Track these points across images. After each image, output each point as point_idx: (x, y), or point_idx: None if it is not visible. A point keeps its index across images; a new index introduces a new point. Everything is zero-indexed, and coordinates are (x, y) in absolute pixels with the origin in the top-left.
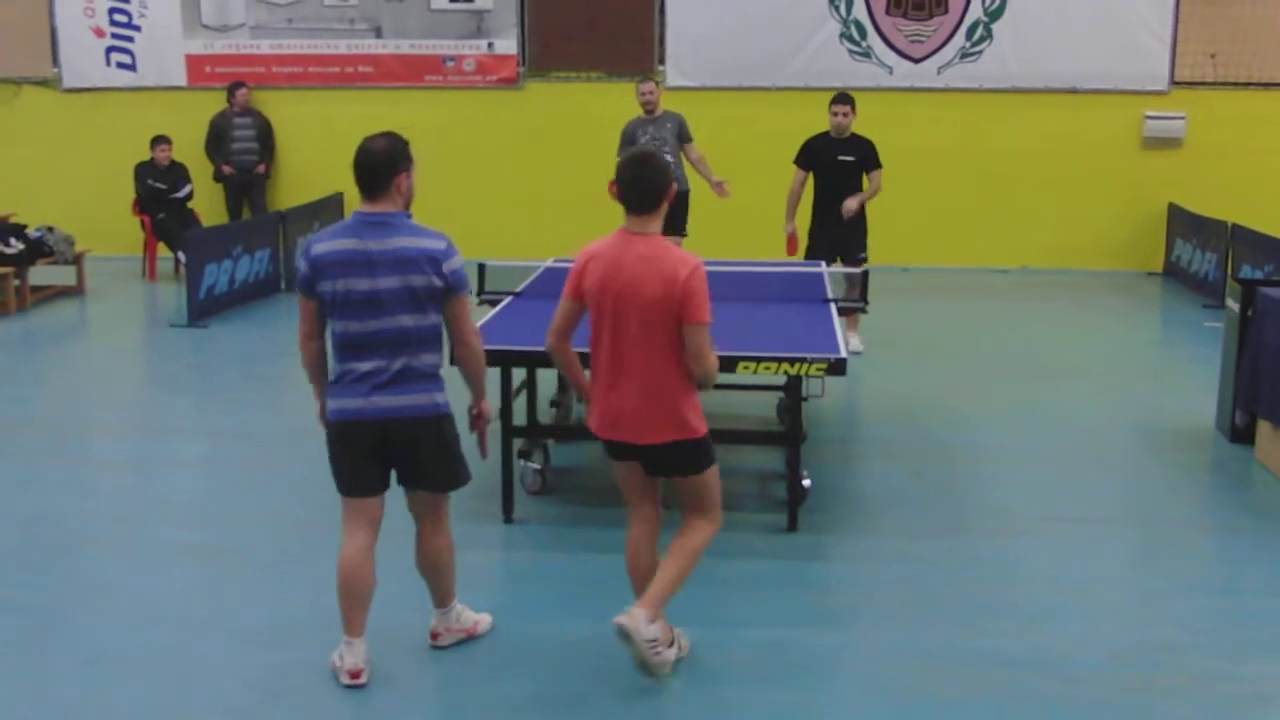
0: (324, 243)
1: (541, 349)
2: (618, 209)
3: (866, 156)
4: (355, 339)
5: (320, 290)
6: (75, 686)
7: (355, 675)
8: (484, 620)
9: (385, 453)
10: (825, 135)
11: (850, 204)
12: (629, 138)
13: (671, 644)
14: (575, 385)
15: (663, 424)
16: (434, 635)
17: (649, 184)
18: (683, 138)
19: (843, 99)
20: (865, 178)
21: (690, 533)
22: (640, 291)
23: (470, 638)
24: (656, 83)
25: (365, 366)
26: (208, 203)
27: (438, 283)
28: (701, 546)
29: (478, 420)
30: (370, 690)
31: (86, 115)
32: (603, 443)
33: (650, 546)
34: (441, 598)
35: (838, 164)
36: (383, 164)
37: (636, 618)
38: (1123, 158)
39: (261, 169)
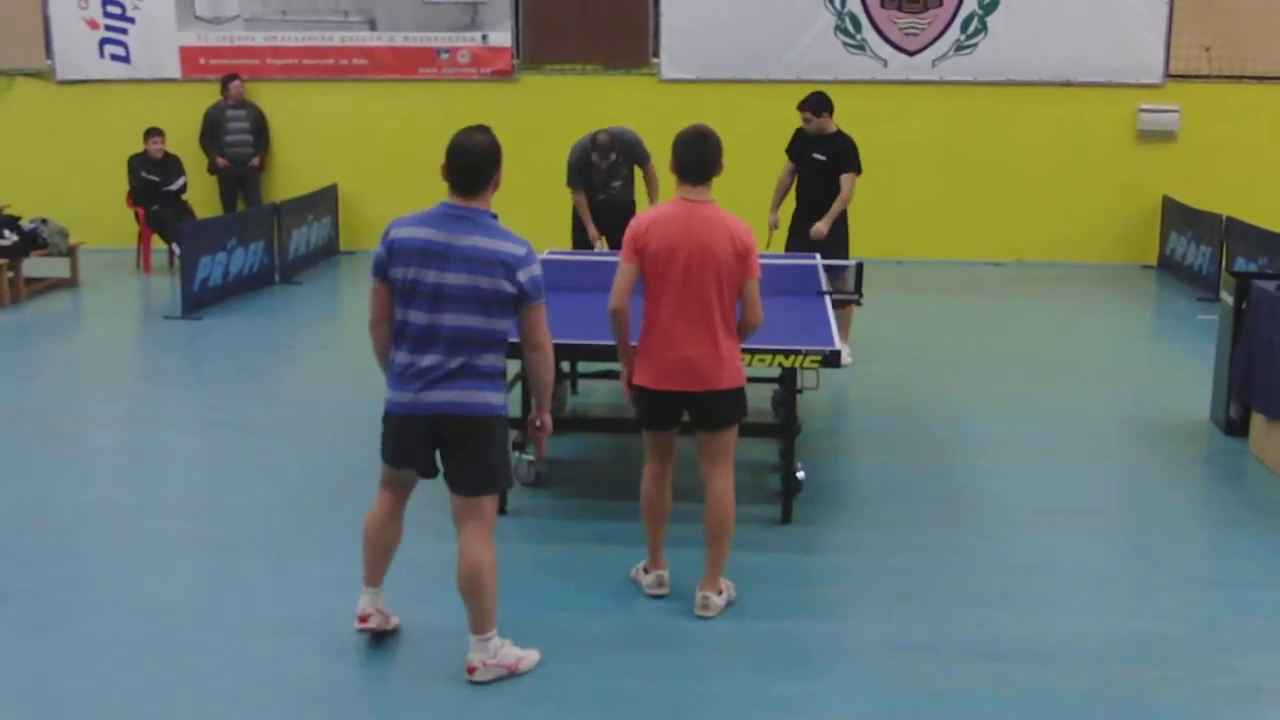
0: (404, 228)
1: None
2: None
3: (837, 158)
4: (417, 330)
5: (392, 276)
6: (73, 677)
7: (362, 619)
8: (529, 657)
9: (433, 445)
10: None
11: (819, 228)
12: (579, 168)
13: (729, 589)
14: (622, 348)
15: (728, 372)
16: (470, 669)
17: (706, 158)
18: (638, 159)
19: (803, 104)
20: (840, 176)
21: (724, 496)
22: (713, 250)
23: (512, 675)
24: (612, 138)
25: (423, 361)
26: (201, 195)
27: (508, 288)
28: (734, 504)
29: (538, 432)
30: (365, 678)
31: (80, 107)
32: (647, 398)
33: (668, 488)
34: (479, 623)
35: (811, 162)
36: (485, 161)
37: (712, 605)
38: (1117, 151)
39: (256, 161)
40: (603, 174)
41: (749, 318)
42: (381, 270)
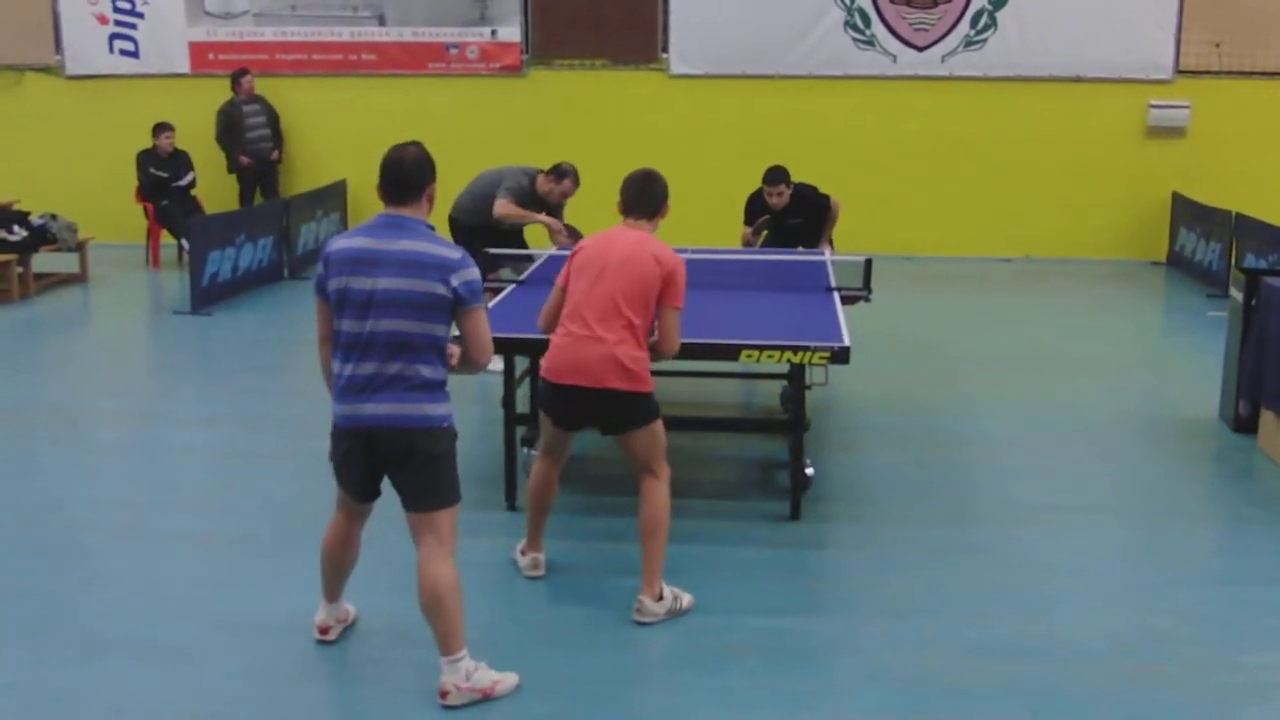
0: (339, 240)
1: (545, 337)
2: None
3: (814, 212)
4: (351, 339)
5: (328, 289)
6: (78, 674)
7: (323, 631)
8: (505, 681)
9: (374, 462)
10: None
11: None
12: (521, 194)
13: (673, 598)
14: None
15: (625, 375)
16: (442, 693)
17: (650, 195)
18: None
19: (774, 178)
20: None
21: (650, 496)
22: (631, 262)
23: (487, 699)
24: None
25: (359, 370)
26: (212, 191)
27: (442, 290)
28: (666, 503)
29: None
30: (366, 678)
31: (89, 102)
32: (549, 390)
33: (555, 481)
34: (445, 643)
35: (788, 225)
36: (415, 174)
37: (646, 610)
38: (1127, 147)
39: (275, 155)
40: (534, 207)
41: (663, 344)
42: (320, 286)
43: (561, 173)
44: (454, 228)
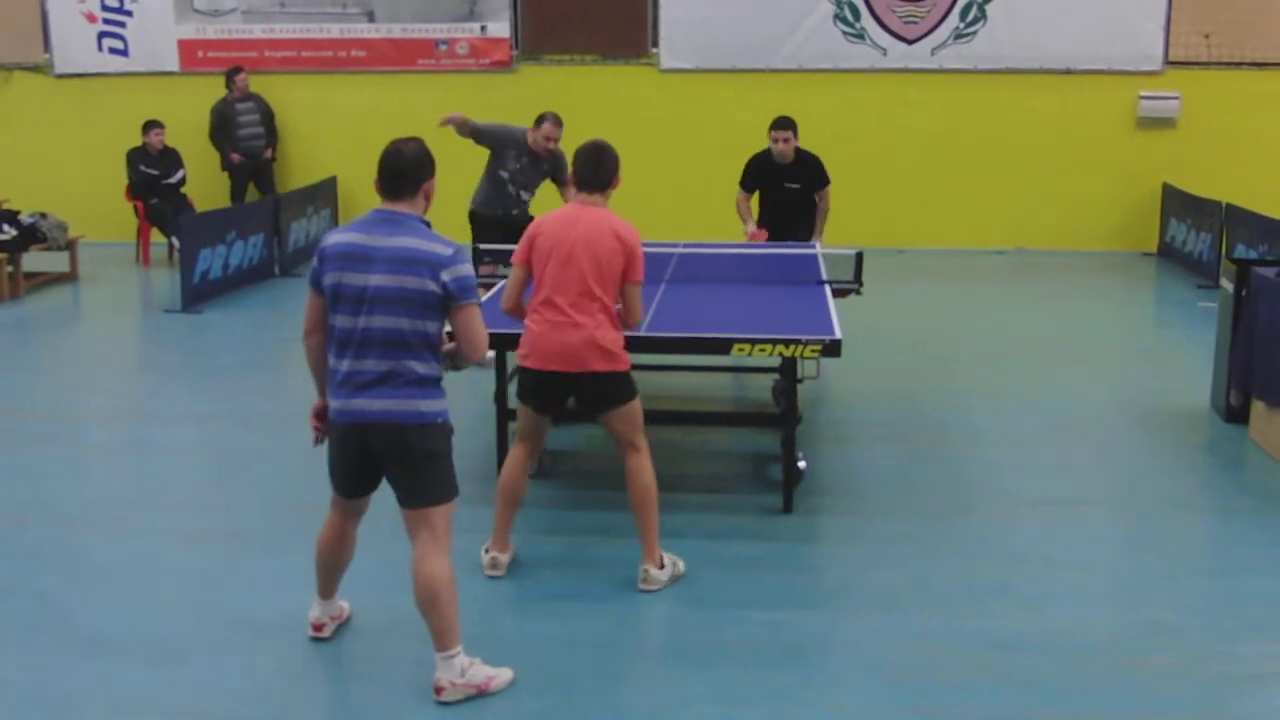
0: (334, 235)
1: None
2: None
3: (813, 179)
4: (346, 335)
5: (323, 283)
6: (72, 673)
7: (317, 628)
8: (500, 676)
9: (369, 459)
10: (768, 155)
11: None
12: (502, 153)
13: (671, 564)
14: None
15: (605, 356)
16: (437, 689)
17: (600, 170)
18: (561, 176)
19: (782, 124)
20: (816, 195)
21: (637, 470)
22: (594, 242)
23: (481, 695)
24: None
25: (354, 366)
26: (204, 189)
27: (432, 287)
28: (651, 475)
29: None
30: (362, 674)
31: (79, 101)
32: (531, 378)
33: (526, 474)
34: (440, 639)
35: (784, 190)
36: (412, 169)
37: (652, 578)
38: (1117, 138)
39: (269, 154)
40: (523, 171)
41: (629, 318)
42: (315, 280)
43: (539, 120)
44: (474, 222)
